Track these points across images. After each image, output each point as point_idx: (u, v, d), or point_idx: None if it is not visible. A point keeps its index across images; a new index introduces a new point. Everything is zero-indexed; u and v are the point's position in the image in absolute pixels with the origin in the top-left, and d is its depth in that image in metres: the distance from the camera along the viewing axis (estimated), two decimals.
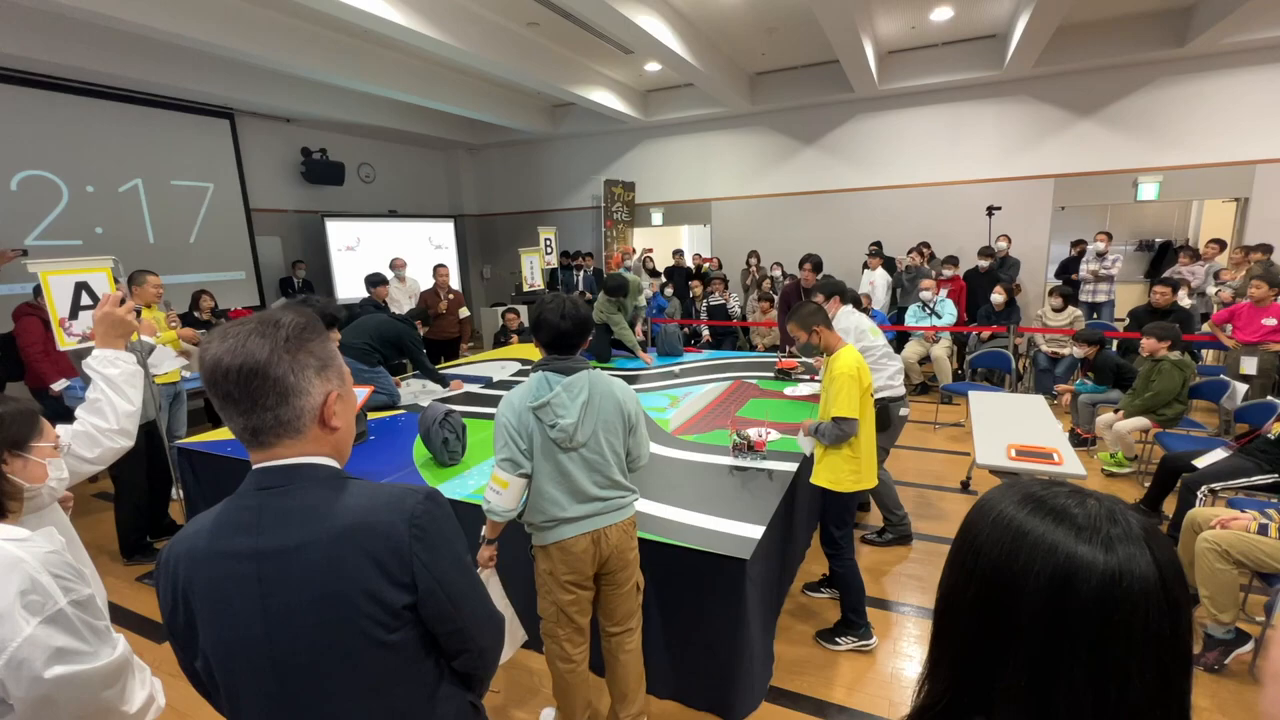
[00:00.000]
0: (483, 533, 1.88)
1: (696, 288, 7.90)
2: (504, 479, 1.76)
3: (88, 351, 1.55)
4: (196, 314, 5.81)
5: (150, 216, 6.88)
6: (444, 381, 4.50)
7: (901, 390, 3.38)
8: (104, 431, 1.49)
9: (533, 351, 5.19)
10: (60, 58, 5.29)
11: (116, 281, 3.21)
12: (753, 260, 8.33)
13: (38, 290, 4.37)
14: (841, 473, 2.50)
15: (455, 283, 10.26)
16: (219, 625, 0.83)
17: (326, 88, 7.21)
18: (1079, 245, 7.27)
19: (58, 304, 2.99)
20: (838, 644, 2.60)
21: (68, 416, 1.51)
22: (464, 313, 6.51)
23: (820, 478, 2.55)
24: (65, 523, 1.55)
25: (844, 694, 2.35)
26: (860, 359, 2.50)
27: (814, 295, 3.67)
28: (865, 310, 4.84)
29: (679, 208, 9.81)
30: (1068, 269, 7.28)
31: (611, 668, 2.03)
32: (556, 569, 1.85)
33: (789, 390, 4.07)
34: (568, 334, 1.79)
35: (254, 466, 0.86)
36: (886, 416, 3.20)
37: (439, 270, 6.56)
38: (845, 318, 3.43)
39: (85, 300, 3.06)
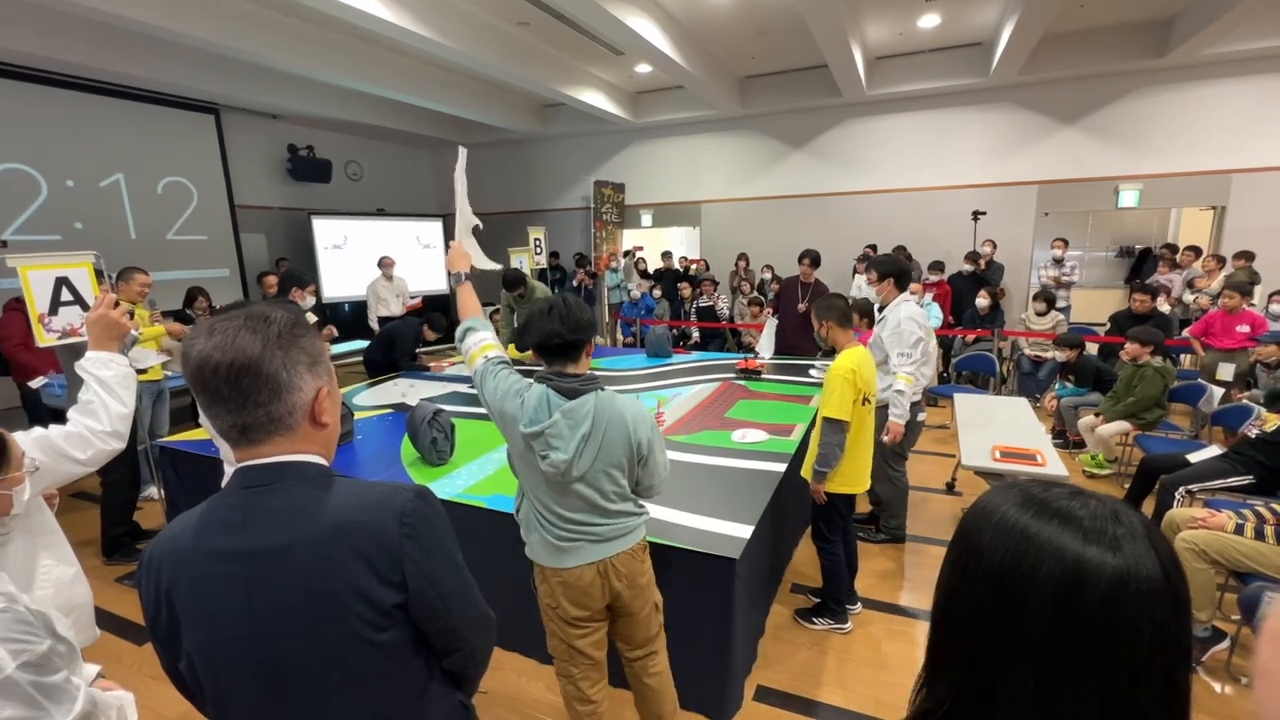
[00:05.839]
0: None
1: (685, 289, 7.94)
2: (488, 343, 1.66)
3: (67, 348, 1.52)
4: (190, 312, 5.68)
5: (132, 212, 6.77)
6: None
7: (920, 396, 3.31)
8: (97, 433, 1.48)
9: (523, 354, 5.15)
10: (41, 50, 5.20)
11: (99, 276, 3.13)
12: (741, 263, 8.37)
13: None
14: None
15: (441, 283, 10.23)
16: (204, 627, 0.82)
17: (314, 84, 7.13)
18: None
19: (37, 299, 2.92)
20: (814, 623, 2.68)
21: (46, 412, 1.48)
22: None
23: (809, 472, 2.59)
24: (51, 522, 1.53)
25: (830, 692, 2.36)
26: (861, 361, 2.45)
27: (869, 272, 3.36)
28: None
29: (668, 209, 9.83)
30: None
31: (640, 694, 1.85)
32: (561, 604, 1.65)
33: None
34: (556, 335, 1.53)
35: (239, 464, 0.84)
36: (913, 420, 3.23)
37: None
38: (896, 309, 3.16)
39: (66, 296, 2.98)
